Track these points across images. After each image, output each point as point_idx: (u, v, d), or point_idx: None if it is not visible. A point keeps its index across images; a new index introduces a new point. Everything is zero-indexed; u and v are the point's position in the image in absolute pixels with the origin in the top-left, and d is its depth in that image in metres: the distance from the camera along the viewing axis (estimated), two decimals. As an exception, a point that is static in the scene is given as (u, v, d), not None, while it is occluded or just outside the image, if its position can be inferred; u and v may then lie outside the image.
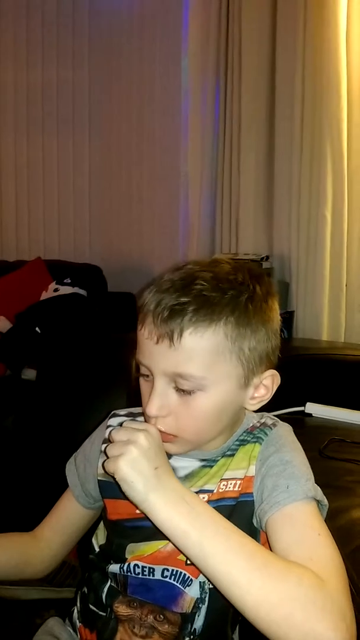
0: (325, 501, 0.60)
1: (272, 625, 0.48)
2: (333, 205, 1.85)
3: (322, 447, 0.96)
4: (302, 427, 1.15)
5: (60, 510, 0.76)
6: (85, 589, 0.71)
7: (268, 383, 0.63)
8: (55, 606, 0.80)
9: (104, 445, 0.71)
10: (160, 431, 0.60)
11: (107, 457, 0.57)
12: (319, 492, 0.60)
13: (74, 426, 1.04)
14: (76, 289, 2.41)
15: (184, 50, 2.51)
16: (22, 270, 2.64)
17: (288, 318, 1.90)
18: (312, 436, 1.04)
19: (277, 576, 0.49)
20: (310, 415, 1.21)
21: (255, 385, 0.62)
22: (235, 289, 0.60)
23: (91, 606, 0.68)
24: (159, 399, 0.59)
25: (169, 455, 0.68)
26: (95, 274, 2.70)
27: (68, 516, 0.75)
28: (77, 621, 0.71)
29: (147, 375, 0.62)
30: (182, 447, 0.63)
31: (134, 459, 0.55)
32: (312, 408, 1.22)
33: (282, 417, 1.06)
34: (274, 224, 2.12)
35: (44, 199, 3.15)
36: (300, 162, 1.93)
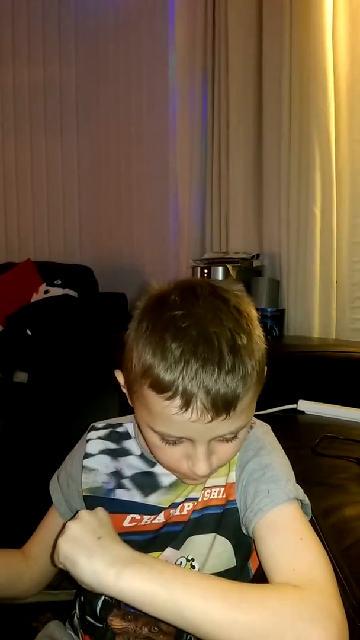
0: (307, 500, 0.60)
1: None
2: (322, 202, 1.85)
3: (314, 444, 0.96)
4: (295, 424, 1.16)
5: (46, 527, 0.76)
6: (83, 599, 0.70)
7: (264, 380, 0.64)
8: (51, 609, 0.79)
9: (85, 460, 0.70)
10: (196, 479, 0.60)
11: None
12: (300, 492, 0.60)
13: (67, 429, 1.04)
14: (67, 290, 2.40)
15: (171, 49, 2.51)
16: (12, 272, 2.62)
17: (279, 316, 1.91)
18: (304, 433, 1.04)
19: (257, 606, 0.48)
20: (302, 412, 1.22)
21: None
22: (244, 333, 0.57)
23: (88, 617, 0.68)
24: (208, 460, 0.58)
25: (152, 463, 0.68)
26: (86, 274, 2.69)
27: (54, 533, 0.74)
28: (79, 627, 0.71)
29: (178, 442, 0.59)
30: (214, 473, 0.62)
31: (73, 534, 0.53)
32: (304, 405, 1.22)
33: (274, 415, 1.07)
34: (263, 222, 2.12)
35: (33, 199, 3.13)
36: (289, 160, 1.94)
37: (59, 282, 2.43)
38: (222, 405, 0.54)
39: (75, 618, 0.72)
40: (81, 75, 3.04)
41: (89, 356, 1.23)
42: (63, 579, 0.92)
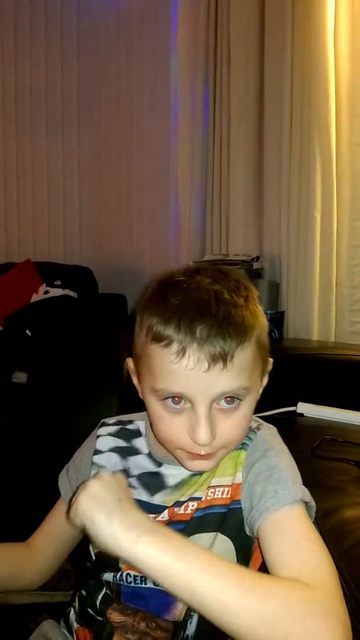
0: (313, 503, 0.60)
1: None
2: (322, 205, 1.86)
3: (313, 446, 0.96)
4: (294, 427, 1.16)
5: (53, 519, 0.75)
6: (84, 592, 0.70)
7: (269, 369, 0.65)
8: (48, 610, 0.79)
9: (95, 456, 0.70)
10: (202, 453, 0.59)
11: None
12: (306, 494, 0.60)
13: (66, 430, 1.04)
14: (66, 291, 2.40)
15: (172, 50, 2.52)
16: (12, 273, 2.62)
17: (278, 318, 1.91)
18: (303, 436, 1.04)
19: (270, 596, 0.48)
20: (301, 415, 1.22)
21: (265, 375, 0.65)
22: (242, 294, 0.60)
23: (89, 609, 0.68)
24: (208, 425, 0.58)
25: (159, 463, 0.68)
26: (85, 275, 2.69)
27: (62, 526, 0.74)
28: (75, 623, 0.71)
29: (178, 405, 0.59)
30: (218, 459, 0.62)
31: (94, 492, 0.52)
32: (303, 408, 1.22)
33: (273, 417, 1.07)
34: (264, 225, 2.12)
35: (33, 200, 3.13)
36: (290, 162, 1.94)
37: (59, 283, 2.43)
38: (219, 352, 0.56)
39: (72, 613, 0.72)
40: (83, 76, 3.04)
41: (89, 357, 1.23)
42: (60, 581, 0.92)
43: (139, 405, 0.67)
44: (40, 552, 0.75)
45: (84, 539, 0.75)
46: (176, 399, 0.59)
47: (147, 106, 2.75)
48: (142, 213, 2.83)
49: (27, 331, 2.15)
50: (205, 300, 0.58)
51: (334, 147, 1.83)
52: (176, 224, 2.56)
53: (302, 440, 0.99)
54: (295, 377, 1.35)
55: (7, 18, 3.00)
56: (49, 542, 0.75)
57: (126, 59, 2.83)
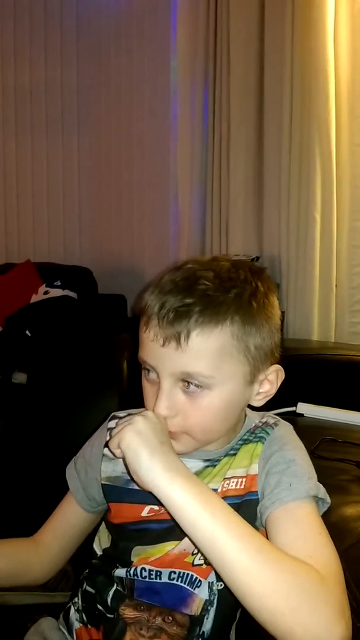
0: (328, 499, 0.61)
1: (277, 616, 0.48)
2: (322, 206, 1.86)
3: (314, 447, 0.96)
4: (294, 427, 1.15)
5: (61, 514, 0.75)
6: (90, 589, 0.70)
7: (272, 378, 0.64)
8: (48, 611, 0.79)
9: (106, 448, 0.70)
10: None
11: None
12: (321, 490, 0.60)
13: (66, 430, 1.04)
14: (66, 292, 2.40)
15: (172, 50, 2.52)
16: (12, 273, 2.62)
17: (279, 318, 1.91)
18: (304, 436, 1.04)
19: (287, 569, 0.50)
20: (301, 415, 1.22)
21: (261, 382, 0.63)
22: (238, 286, 0.60)
23: (98, 606, 0.68)
24: (167, 399, 0.59)
25: None
26: (85, 276, 2.69)
27: (69, 520, 0.75)
28: (76, 622, 0.70)
29: (151, 376, 0.61)
30: (188, 445, 0.62)
31: (140, 428, 0.55)
32: (303, 408, 1.22)
33: (273, 418, 1.05)
34: (263, 225, 2.13)
35: (33, 200, 3.13)
36: (290, 163, 1.94)
37: (59, 283, 2.43)
38: (175, 331, 0.57)
39: (73, 611, 0.71)
40: (82, 77, 3.04)
41: (88, 357, 1.23)
42: (59, 581, 0.91)
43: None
44: (46, 548, 0.74)
45: (87, 537, 0.75)
46: (148, 368, 0.61)
47: (147, 106, 2.75)
48: (142, 213, 2.83)
49: (27, 332, 2.15)
50: (185, 281, 0.59)
51: (334, 147, 1.83)
52: (176, 224, 2.56)
53: (302, 440, 0.99)
54: (295, 377, 1.34)
55: (7, 18, 3.00)
56: (55, 537, 0.75)
57: (126, 59, 2.83)
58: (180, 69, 2.47)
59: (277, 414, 1.18)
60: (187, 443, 0.62)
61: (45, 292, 2.41)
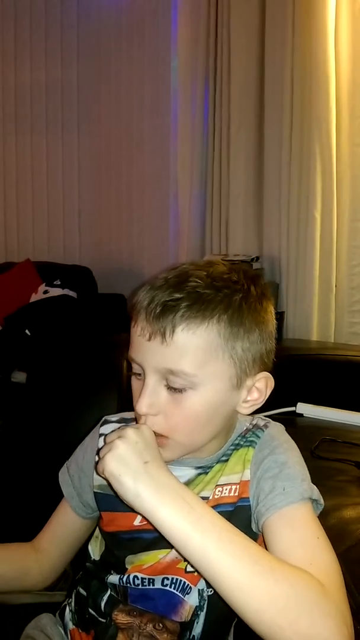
0: (322, 501, 0.60)
1: (275, 629, 0.47)
2: (322, 206, 1.86)
3: (313, 447, 0.96)
4: (294, 427, 1.15)
5: (57, 521, 0.75)
6: (83, 592, 0.69)
7: (261, 386, 0.62)
8: (47, 610, 0.79)
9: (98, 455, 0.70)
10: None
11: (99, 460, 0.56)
12: (315, 492, 0.60)
13: (66, 429, 1.03)
14: (66, 291, 2.40)
15: (173, 51, 2.52)
16: (11, 272, 2.62)
17: (278, 319, 1.89)
18: (303, 436, 1.04)
19: (284, 581, 0.49)
20: (301, 415, 1.22)
21: (248, 388, 0.61)
22: (229, 287, 0.59)
23: (90, 610, 0.67)
24: (150, 396, 0.58)
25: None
26: (85, 275, 2.69)
27: (66, 527, 0.74)
28: (70, 622, 0.70)
29: (139, 374, 0.61)
30: (174, 450, 0.61)
31: (121, 453, 0.54)
32: (303, 408, 1.22)
33: (273, 418, 1.06)
34: (263, 225, 2.13)
35: (33, 199, 3.13)
36: (290, 163, 1.94)
37: (58, 283, 2.43)
38: (161, 326, 0.57)
39: (67, 612, 0.71)
40: (83, 76, 3.04)
41: (88, 357, 1.23)
42: (59, 581, 0.91)
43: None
44: (45, 554, 0.74)
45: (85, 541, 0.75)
46: (135, 365, 0.61)
47: (147, 106, 2.75)
48: (141, 213, 2.83)
49: (27, 331, 2.15)
50: (177, 278, 0.59)
51: (334, 147, 1.83)
52: (176, 224, 2.56)
53: (301, 440, 0.99)
54: (294, 377, 1.35)
55: (8, 17, 3.00)
56: (53, 544, 0.74)
57: (126, 59, 2.83)
58: (180, 69, 2.47)
59: (277, 414, 1.18)
60: (173, 449, 0.61)
61: (45, 292, 2.41)
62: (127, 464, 0.53)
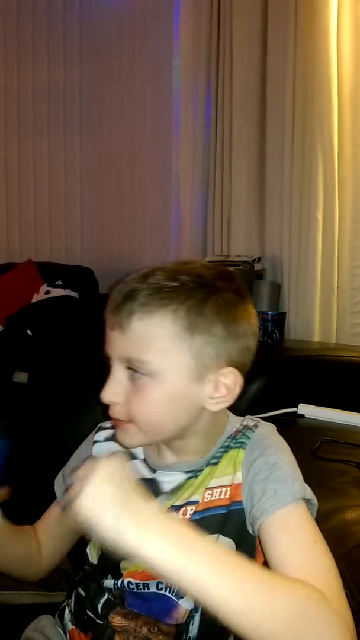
0: (315, 500, 0.60)
1: None
2: (324, 207, 1.85)
3: (314, 448, 0.96)
4: (295, 428, 1.16)
5: (51, 517, 0.75)
6: (83, 593, 0.70)
7: (229, 383, 0.60)
8: (47, 610, 0.79)
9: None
10: (113, 417, 0.61)
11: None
12: (308, 491, 0.59)
13: (66, 429, 1.03)
14: (68, 291, 2.40)
15: (175, 51, 2.52)
16: (13, 273, 2.62)
17: (280, 319, 1.91)
18: (304, 437, 1.04)
19: (285, 599, 0.47)
20: (302, 416, 1.22)
21: (215, 384, 0.60)
22: (194, 282, 0.59)
23: (88, 611, 0.68)
24: (114, 385, 0.60)
25: (153, 470, 0.67)
26: (86, 275, 2.69)
27: (59, 524, 0.74)
28: (69, 623, 0.70)
29: (110, 362, 0.62)
30: (134, 437, 0.62)
31: (96, 489, 0.47)
32: (304, 409, 1.22)
33: (274, 418, 1.06)
34: (265, 226, 2.12)
35: (35, 200, 3.13)
36: (292, 163, 1.94)
37: (60, 283, 2.43)
38: (120, 316, 0.58)
39: (67, 612, 0.71)
40: (85, 77, 3.04)
41: (89, 357, 1.23)
42: (59, 580, 0.91)
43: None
44: (42, 545, 0.74)
45: (82, 538, 0.75)
46: (108, 356, 0.62)
47: (149, 107, 2.75)
48: (143, 213, 2.83)
49: (28, 331, 2.15)
50: (144, 273, 0.61)
51: (336, 148, 1.83)
52: (178, 224, 2.56)
53: (303, 441, 0.99)
54: (296, 378, 1.34)
55: (10, 19, 3.01)
56: (47, 536, 0.75)
57: (128, 60, 2.83)
58: (182, 69, 2.47)
59: (278, 415, 1.18)
60: (133, 434, 0.61)
61: (47, 292, 2.41)
62: (105, 499, 0.47)
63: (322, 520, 0.66)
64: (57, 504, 0.75)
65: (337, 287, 1.88)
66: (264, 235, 2.14)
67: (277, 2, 2.00)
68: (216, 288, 0.60)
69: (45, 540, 0.75)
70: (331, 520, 0.68)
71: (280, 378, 1.29)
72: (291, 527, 0.56)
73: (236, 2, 2.15)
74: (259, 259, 2.08)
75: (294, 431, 1.12)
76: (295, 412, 1.22)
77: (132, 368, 0.59)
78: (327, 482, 0.82)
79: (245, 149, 2.17)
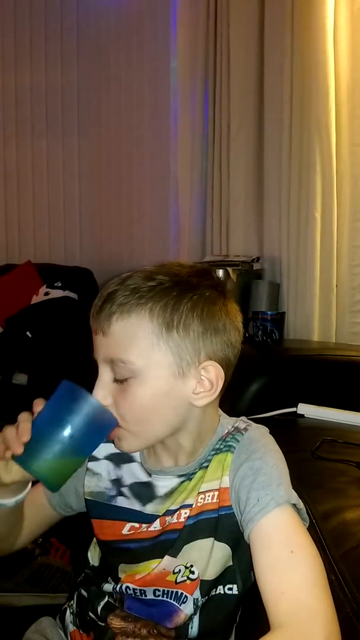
0: (301, 504, 0.59)
1: None
2: (323, 206, 1.85)
3: (314, 448, 0.96)
4: (294, 427, 1.15)
5: (31, 503, 0.73)
6: (85, 594, 0.70)
7: (211, 377, 0.61)
8: (49, 612, 0.79)
9: (90, 463, 0.70)
10: None
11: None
12: (293, 496, 0.58)
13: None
14: (67, 293, 2.40)
15: (172, 51, 2.52)
16: (13, 274, 2.62)
17: (279, 319, 1.91)
18: (304, 437, 1.04)
19: None
20: (302, 416, 1.21)
21: (197, 379, 0.61)
22: (170, 281, 0.60)
23: (90, 614, 0.68)
24: (102, 388, 0.60)
25: (149, 474, 0.67)
26: (86, 277, 2.69)
27: (37, 511, 0.74)
28: (71, 624, 0.70)
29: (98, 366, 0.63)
30: (129, 441, 0.62)
31: None
32: (304, 409, 1.22)
33: (274, 418, 1.06)
34: (264, 226, 2.12)
35: (34, 201, 3.13)
36: (290, 163, 1.94)
37: (59, 284, 2.43)
38: (100, 320, 0.59)
39: (69, 614, 0.71)
40: (83, 79, 3.04)
41: (89, 359, 1.23)
42: (61, 582, 0.91)
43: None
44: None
45: (85, 542, 0.75)
46: (95, 361, 0.62)
47: (147, 108, 2.75)
48: (142, 214, 2.83)
49: (28, 333, 2.15)
50: (123, 277, 0.62)
51: (334, 147, 1.83)
52: (176, 225, 2.56)
53: (302, 441, 0.99)
54: (295, 378, 1.34)
55: (7, 20, 3.01)
56: (27, 509, 0.73)
57: (126, 61, 2.83)
58: (180, 70, 2.47)
59: (277, 415, 1.18)
60: (126, 439, 0.62)
61: (46, 293, 2.41)
62: None
63: (322, 520, 0.66)
64: (42, 495, 0.74)
65: (336, 286, 1.87)
66: (262, 235, 2.14)
67: (273, 2, 2.00)
68: (192, 285, 0.61)
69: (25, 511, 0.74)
70: (331, 521, 0.68)
71: (279, 378, 1.29)
72: (270, 540, 0.55)
73: (233, 2, 2.15)
74: (258, 259, 2.08)
75: (293, 431, 1.12)
76: (295, 412, 1.22)
77: (117, 369, 0.60)
78: (327, 482, 0.82)
79: (243, 149, 2.17)
